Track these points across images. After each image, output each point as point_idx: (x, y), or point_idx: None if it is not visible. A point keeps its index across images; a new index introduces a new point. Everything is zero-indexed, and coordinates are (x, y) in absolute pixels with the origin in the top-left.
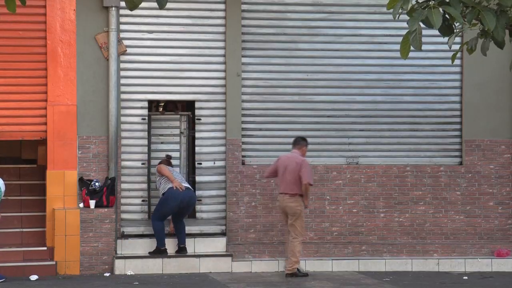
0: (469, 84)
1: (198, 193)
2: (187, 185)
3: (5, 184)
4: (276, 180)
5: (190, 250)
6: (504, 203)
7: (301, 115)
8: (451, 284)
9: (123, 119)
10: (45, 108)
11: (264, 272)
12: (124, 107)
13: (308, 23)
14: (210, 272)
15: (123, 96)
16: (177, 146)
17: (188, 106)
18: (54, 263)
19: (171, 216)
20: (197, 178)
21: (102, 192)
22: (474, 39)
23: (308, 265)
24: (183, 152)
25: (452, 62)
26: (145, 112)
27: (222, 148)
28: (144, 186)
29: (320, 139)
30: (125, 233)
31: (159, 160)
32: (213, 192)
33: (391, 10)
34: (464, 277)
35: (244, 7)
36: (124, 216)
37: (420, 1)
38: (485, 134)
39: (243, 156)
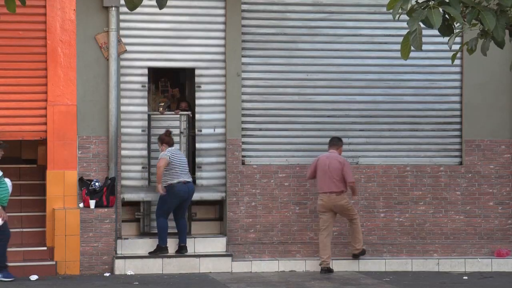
0: (469, 84)
1: (198, 160)
2: (187, 178)
3: None
4: (310, 181)
5: (190, 250)
6: (504, 203)
7: (301, 115)
8: (451, 284)
9: (123, 86)
10: (45, 108)
11: (264, 272)
12: (123, 74)
13: (308, 23)
14: (210, 272)
15: (123, 63)
16: (177, 146)
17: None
18: (54, 263)
19: (173, 213)
20: (197, 145)
21: (102, 192)
22: (474, 39)
23: (308, 265)
24: (183, 151)
25: (452, 62)
26: (145, 79)
27: (222, 116)
28: (144, 153)
29: (320, 139)
30: (125, 199)
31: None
32: (213, 159)
33: (391, 10)
34: (464, 277)
35: (244, 7)
36: (124, 182)
37: (420, 1)
38: (485, 134)
39: (243, 156)
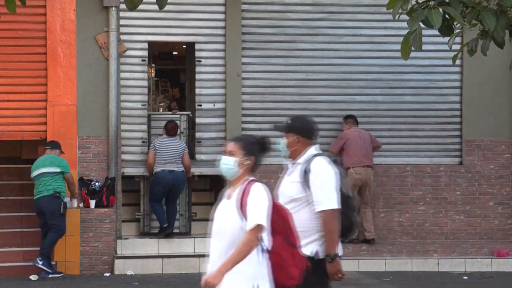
0: (469, 84)
1: (197, 134)
2: (173, 168)
3: (5, 184)
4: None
5: (190, 250)
6: (504, 203)
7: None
8: (451, 284)
9: (122, 60)
10: (45, 108)
11: None
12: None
13: (308, 23)
14: None
15: (123, 37)
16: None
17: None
18: (54, 263)
19: (165, 201)
20: (197, 120)
21: (102, 192)
22: (474, 40)
23: None
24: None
25: (454, 63)
26: (145, 53)
27: (222, 90)
28: (144, 127)
29: (320, 139)
30: (125, 173)
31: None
32: (213, 134)
33: (391, 10)
34: (464, 277)
35: (244, 7)
36: (124, 157)
37: (420, 1)
38: (485, 134)
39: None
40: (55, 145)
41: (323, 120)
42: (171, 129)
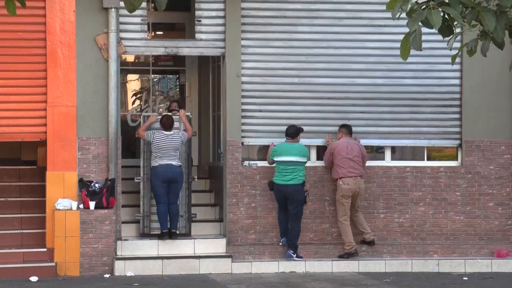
0: (468, 85)
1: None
2: (171, 162)
3: (5, 185)
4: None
5: (190, 251)
6: (504, 204)
7: (301, 97)
8: (451, 284)
9: (121, 19)
10: (45, 110)
11: (264, 273)
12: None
13: (308, 6)
14: (210, 273)
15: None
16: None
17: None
18: (54, 264)
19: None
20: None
21: (102, 194)
22: (473, 40)
23: (308, 266)
24: (183, 153)
25: (453, 63)
26: (144, 12)
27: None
28: None
29: (320, 121)
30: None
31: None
32: None
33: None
34: (464, 278)
35: None
36: None
37: (420, 2)
38: (485, 135)
39: (242, 137)
40: None
41: (322, 102)
42: (166, 123)
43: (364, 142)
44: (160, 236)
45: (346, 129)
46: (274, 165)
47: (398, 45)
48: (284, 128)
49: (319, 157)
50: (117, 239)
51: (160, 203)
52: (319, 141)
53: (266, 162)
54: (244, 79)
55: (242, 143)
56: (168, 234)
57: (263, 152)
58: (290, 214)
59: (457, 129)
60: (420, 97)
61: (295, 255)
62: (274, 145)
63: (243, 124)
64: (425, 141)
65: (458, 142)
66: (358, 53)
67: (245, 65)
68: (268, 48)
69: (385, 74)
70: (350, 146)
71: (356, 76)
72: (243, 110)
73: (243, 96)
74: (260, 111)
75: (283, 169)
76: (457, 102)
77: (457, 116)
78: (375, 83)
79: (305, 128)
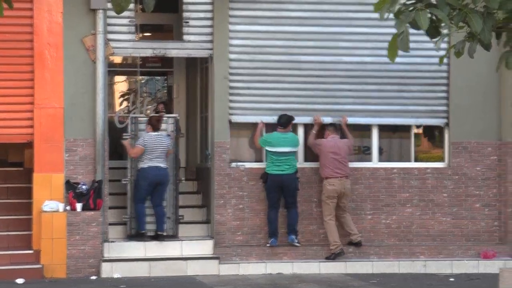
0: (456, 86)
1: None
2: (160, 164)
3: None
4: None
5: (177, 253)
6: (491, 205)
7: (289, 75)
8: (437, 285)
9: (109, 21)
10: (32, 111)
11: (251, 274)
12: None
13: None
14: (197, 275)
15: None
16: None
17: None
18: (40, 266)
19: (150, 198)
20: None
21: (89, 195)
22: (460, 42)
23: (296, 267)
24: (172, 154)
25: (440, 64)
26: (132, 14)
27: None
28: None
29: (307, 99)
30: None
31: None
32: None
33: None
34: (451, 279)
35: None
36: None
37: (408, 3)
38: (472, 136)
39: (230, 114)
40: None
41: (311, 80)
42: (157, 125)
43: (352, 120)
44: (140, 236)
45: (333, 127)
46: (264, 151)
47: (385, 23)
48: (272, 105)
49: (306, 159)
50: (104, 241)
51: (139, 203)
52: (307, 119)
53: (254, 163)
54: (231, 56)
55: (230, 121)
56: (155, 236)
57: (252, 142)
58: (287, 202)
59: (444, 108)
60: (408, 75)
61: (297, 240)
62: (265, 134)
63: (230, 101)
64: (413, 119)
65: (445, 121)
66: (345, 31)
67: (233, 42)
68: (256, 25)
69: (373, 52)
70: (338, 147)
71: (343, 54)
72: (230, 88)
73: (230, 80)
74: (248, 88)
75: (277, 159)
76: (444, 81)
77: (444, 95)
78: (362, 61)
79: (292, 106)
